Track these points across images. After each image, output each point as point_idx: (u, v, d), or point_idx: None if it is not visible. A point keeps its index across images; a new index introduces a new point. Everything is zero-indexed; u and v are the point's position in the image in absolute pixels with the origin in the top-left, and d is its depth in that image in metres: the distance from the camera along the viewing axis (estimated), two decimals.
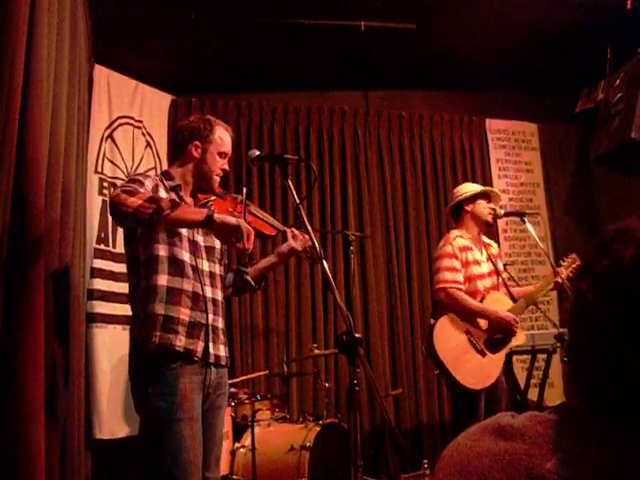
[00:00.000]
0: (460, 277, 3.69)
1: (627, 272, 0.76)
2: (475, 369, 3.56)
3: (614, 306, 0.76)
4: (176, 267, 2.55)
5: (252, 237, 2.41)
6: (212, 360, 2.59)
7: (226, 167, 2.82)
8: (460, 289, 3.66)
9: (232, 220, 2.40)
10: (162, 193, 2.61)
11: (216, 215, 2.36)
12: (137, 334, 2.51)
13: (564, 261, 3.95)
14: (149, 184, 2.56)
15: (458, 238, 3.80)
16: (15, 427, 1.98)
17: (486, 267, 3.82)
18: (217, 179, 2.79)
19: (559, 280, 3.83)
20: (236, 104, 5.78)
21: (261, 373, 5.02)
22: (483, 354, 3.61)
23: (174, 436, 2.38)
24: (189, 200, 2.76)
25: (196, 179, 2.77)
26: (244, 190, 2.82)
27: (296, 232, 2.92)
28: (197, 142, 2.74)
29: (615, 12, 4.87)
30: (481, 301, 3.70)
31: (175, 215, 2.33)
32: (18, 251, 2.08)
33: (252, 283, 2.94)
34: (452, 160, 6.23)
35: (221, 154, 2.79)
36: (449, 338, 3.60)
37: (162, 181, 2.68)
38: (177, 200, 2.51)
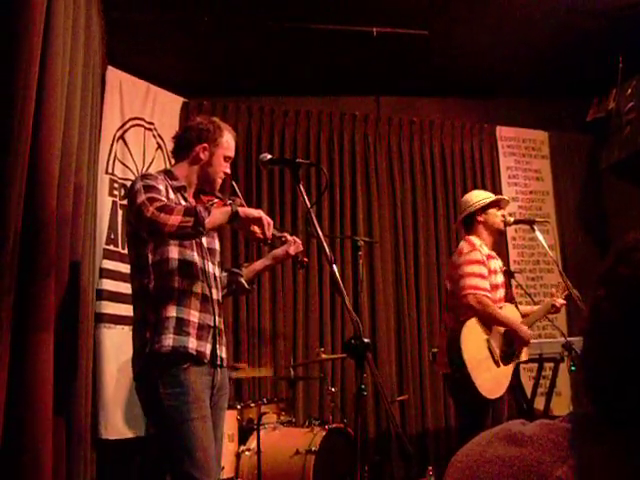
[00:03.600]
0: (488, 284, 3.67)
1: None
2: (491, 378, 3.55)
3: (629, 314, 0.76)
4: (187, 269, 2.56)
5: (271, 227, 2.51)
6: (219, 362, 2.60)
7: (228, 171, 2.84)
8: (489, 297, 3.65)
9: (254, 212, 2.49)
10: (171, 194, 2.62)
11: (239, 209, 2.45)
12: (148, 336, 2.48)
13: (556, 289, 3.97)
14: (162, 187, 2.57)
15: (483, 245, 3.79)
16: (24, 425, 1.99)
17: (500, 278, 3.82)
18: (220, 182, 2.82)
19: (557, 305, 3.86)
20: (247, 107, 5.79)
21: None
22: (498, 364, 3.61)
23: (190, 435, 2.39)
24: (192, 201, 2.77)
25: (200, 181, 2.78)
26: (234, 183, 2.85)
27: (290, 238, 2.94)
28: (205, 144, 2.74)
29: (628, 21, 4.87)
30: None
31: (210, 221, 2.39)
32: (30, 251, 2.09)
33: (246, 285, 2.96)
34: (462, 167, 6.23)
35: (226, 158, 2.80)
36: (474, 343, 3.58)
37: (166, 181, 2.68)
38: (205, 205, 2.53)
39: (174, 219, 2.33)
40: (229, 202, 2.85)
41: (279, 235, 2.92)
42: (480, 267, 3.68)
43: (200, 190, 2.81)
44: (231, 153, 2.83)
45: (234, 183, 2.86)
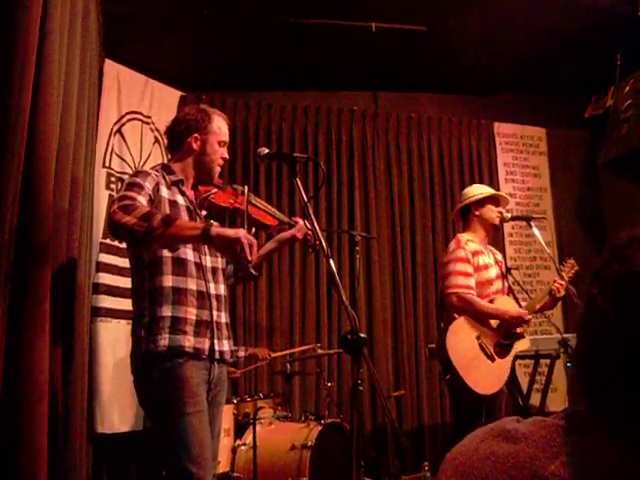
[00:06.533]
0: (472, 282, 3.67)
1: (636, 277, 0.77)
2: (485, 374, 3.55)
3: (622, 310, 0.77)
4: (180, 267, 2.55)
5: (254, 248, 2.35)
6: (217, 356, 2.60)
7: (226, 155, 2.80)
8: (472, 294, 3.65)
9: (230, 232, 2.33)
10: (163, 191, 2.60)
11: (213, 229, 2.31)
12: (143, 335, 2.48)
13: (563, 266, 3.93)
14: (149, 185, 2.54)
15: (469, 242, 3.78)
16: (19, 419, 1.99)
17: (494, 271, 3.81)
18: (218, 169, 2.78)
19: (554, 288, 3.79)
20: (245, 102, 5.78)
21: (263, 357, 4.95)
22: (492, 359, 3.61)
23: (186, 430, 2.39)
24: (190, 193, 2.75)
25: (197, 171, 2.76)
26: (246, 188, 2.80)
27: (299, 221, 2.93)
28: (196, 134, 2.72)
29: (625, 19, 4.86)
30: (490, 303, 3.70)
31: (169, 233, 2.28)
32: (26, 244, 2.09)
33: (252, 272, 2.92)
34: (459, 163, 6.23)
35: (220, 143, 2.76)
36: (461, 343, 3.58)
37: (164, 177, 2.66)
38: (172, 216, 2.41)
39: (127, 220, 2.26)
40: (228, 188, 2.84)
41: (287, 221, 2.91)
42: (464, 265, 3.69)
43: (199, 181, 2.80)
44: (225, 138, 2.79)
45: (246, 187, 2.80)
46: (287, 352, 4.82)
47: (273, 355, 4.78)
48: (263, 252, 3.00)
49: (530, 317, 3.69)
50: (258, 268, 2.99)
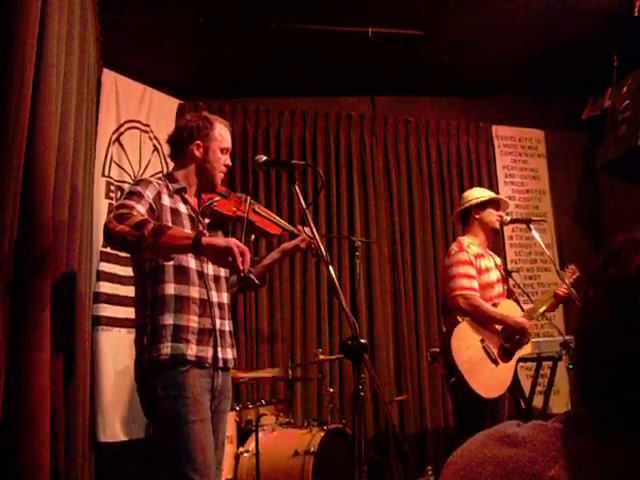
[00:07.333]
0: (476, 284, 3.68)
1: (632, 279, 0.77)
2: (489, 378, 3.55)
3: (618, 312, 0.77)
4: (182, 275, 2.55)
5: (247, 256, 2.31)
6: (221, 365, 2.60)
7: (228, 162, 2.80)
8: (477, 296, 3.65)
9: (221, 242, 2.31)
10: (165, 199, 2.60)
11: (204, 239, 2.28)
12: (146, 344, 2.49)
13: (564, 272, 3.94)
14: (150, 193, 2.54)
15: (472, 245, 3.79)
16: (21, 429, 1.99)
17: (494, 274, 3.82)
18: (221, 176, 2.78)
19: (560, 292, 3.82)
20: (243, 108, 5.79)
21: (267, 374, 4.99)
22: (496, 363, 3.60)
23: (189, 438, 2.39)
24: (193, 201, 2.75)
25: (199, 179, 2.76)
26: (249, 198, 2.80)
27: (301, 229, 2.93)
28: (198, 141, 2.71)
29: (622, 19, 4.87)
30: (493, 306, 3.71)
31: (160, 242, 2.26)
32: (26, 255, 2.09)
33: (256, 281, 2.91)
34: (458, 166, 6.23)
35: (223, 150, 2.76)
36: (466, 347, 3.58)
37: (167, 186, 2.66)
38: (164, 225, 2.40)
39: (120, 228, 2.26)
40: (231, 196, 2.84)
41: (291, 229, 2.91)
42: (467, 267, 3.69)
43: (202, 189, 2.79)
44: (227, 144, 2.78)
45: (249, 197, 2.79)
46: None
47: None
48: (267, 262, 3.00)
49: (530, 333, 3.71)
50: (262, 278, 2.96)
